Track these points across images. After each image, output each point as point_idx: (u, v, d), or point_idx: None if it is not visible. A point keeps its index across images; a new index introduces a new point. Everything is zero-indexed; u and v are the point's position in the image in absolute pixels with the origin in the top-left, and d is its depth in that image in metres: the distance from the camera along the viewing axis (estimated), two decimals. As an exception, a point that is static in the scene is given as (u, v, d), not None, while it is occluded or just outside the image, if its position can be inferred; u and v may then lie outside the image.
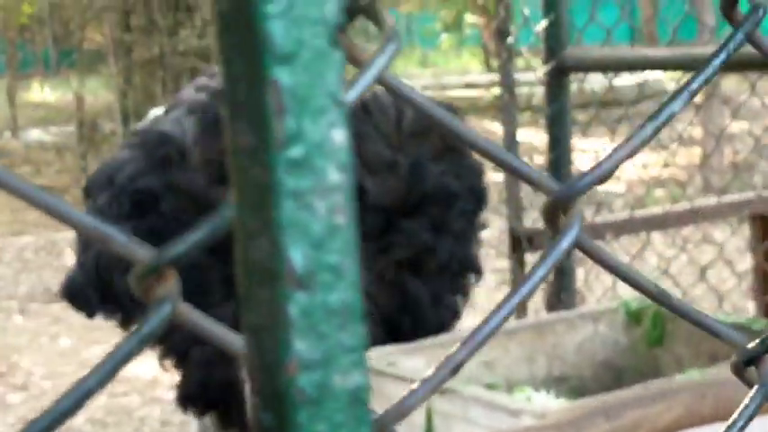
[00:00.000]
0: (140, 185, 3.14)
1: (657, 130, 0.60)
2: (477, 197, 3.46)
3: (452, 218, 3.31)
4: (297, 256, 0.37)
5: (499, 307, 0.54)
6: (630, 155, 0.58)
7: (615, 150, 0.58)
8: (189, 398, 3.25)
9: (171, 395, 5.99)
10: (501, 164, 0.59)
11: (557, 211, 0.57)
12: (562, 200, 0.57)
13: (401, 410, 0.53)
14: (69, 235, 10.10)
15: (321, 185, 0.37)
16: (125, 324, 3.41)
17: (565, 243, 0.55)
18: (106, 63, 13.29)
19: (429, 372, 0.64)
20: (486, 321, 0.54)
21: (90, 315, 3.41)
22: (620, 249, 4.52)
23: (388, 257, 3.17)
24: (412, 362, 2.68)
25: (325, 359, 0.38)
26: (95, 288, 3.26)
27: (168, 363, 3.34)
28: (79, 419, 5.80)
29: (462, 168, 3.43)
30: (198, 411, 3.20)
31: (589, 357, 3.05)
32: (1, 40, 17.09)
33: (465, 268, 3.48)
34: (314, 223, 0.37)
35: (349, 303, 0.38)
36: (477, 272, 3.59)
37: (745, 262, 4.49)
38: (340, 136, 0.38)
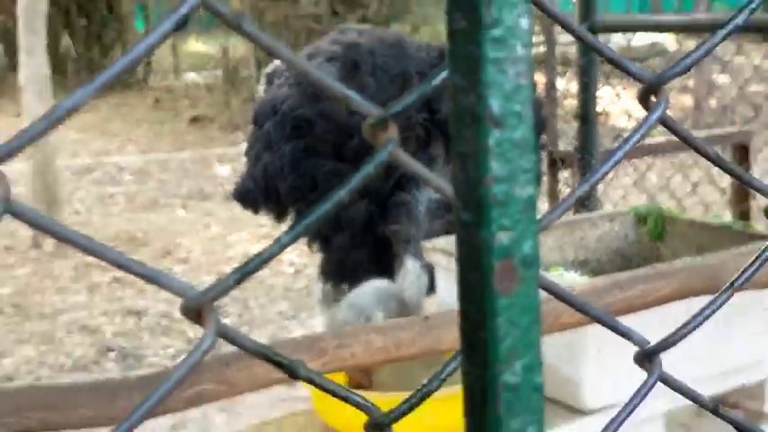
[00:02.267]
0: (298, 114, 3.18)
1: (713, 46, 0.60)
2: (542, 124, 3.49)
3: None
4: (495, 105, 0.38)
5: (608, 160, 0.55)
6: (703, 55, 0.58)
7: (692, 52, 0.58)
8: (329, 273, 3.31)
9: (291, 269, 6.10)
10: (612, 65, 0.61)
11: (648, 95, 0.58)
12: (654, 86, 0.58)
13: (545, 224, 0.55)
14: (218, 151, 10.19)
15: (512, 56, 0.39)
16: (279, 218, 3.47)
17: (654, 116, 0.57)
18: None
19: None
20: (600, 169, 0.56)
21: (255, 212, 3.47)
22: (631, 168, 4.53)
23: None
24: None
25: (510, 176, 0.39)
26: (261, 192, 3.31)
27: (314, 245, 3.40)
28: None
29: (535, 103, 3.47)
30: (335, 283, 3.26)
31: (606, 247, 3.06)
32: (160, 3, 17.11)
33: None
34: (506, 83, 0.39)
35: (527, 138, 0.40)
36: (540, 178, 3.65)
37: (726, 181, 4.45)
38: (525, 23, 0.39)
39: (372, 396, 2.21)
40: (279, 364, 0.48)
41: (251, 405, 3.95)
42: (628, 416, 0.63)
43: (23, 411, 1.81)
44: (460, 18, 0.39)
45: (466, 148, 0.40)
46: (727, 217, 4.04)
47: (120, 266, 0.47)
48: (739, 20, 0.64)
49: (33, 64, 7.04)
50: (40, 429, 1.82)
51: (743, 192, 3.94)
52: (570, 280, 2.57)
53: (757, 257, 0.69)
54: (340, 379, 2.29)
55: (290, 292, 5.76)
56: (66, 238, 0.42)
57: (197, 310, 0.47)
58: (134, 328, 5.21)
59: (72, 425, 1.75)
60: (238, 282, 0.48)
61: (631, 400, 0.64)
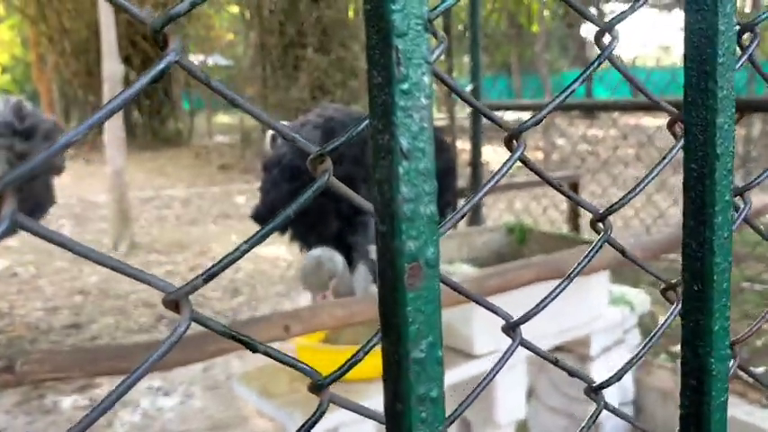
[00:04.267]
0: (294, 164, 3.14)
1: (541, 117, 0.55)
2: (456, 171, 3.49)
3: (450, 182, 3.33)
4: (404, 143, 0.34)
5: (475, 196, 0.51)
6: (539, 120, 0.54)
7: (539, 112, 0.53)
8: (303, 240, 3.32)
9: (285, 264, 5.99)
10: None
11: (511, 140, 0.54)
12: (515, 133, 0.53)
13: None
14: (237, 187, 10.05)
15: (417, 105, 0.34)
16: (281, 233, 3.41)
17: (516, 155, 0.52)
18: (257, 104, 13.24)
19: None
20: (475, 196, 0.51)
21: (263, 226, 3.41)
22: (504, 198, 4.54)
23: None
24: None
25: (416, 197, 0.35)
26: (268, 216, 3.27)
27: (304, 250, 3.35)
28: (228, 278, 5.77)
29: (450, 158, 3.48)
30: None
31: (488, 248, 3.02)
32: (198, 90, 16.91)
33: (451, 204, 3.49)
34: (412, 125, 0.34)
35: (429, 169, 0.35)
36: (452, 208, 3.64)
37: (564, 207, 4.48)
38: (428, 79, 0.35)
39: (327, 348, 2.14)
40: (242, 342, 0.42)
41: (258, 354, 3.84)
42: (501, 368, 0.58)
43: (99, 361, 1.71)
44: (377, 75, 0.35)
45: (382, 176, 0.35)
46: (565, 229, 4.06)
47: (108, 266, 0.40)
48: (561, 98, 0.58)
49: (114, 129, 6.91)
50: (109, 373, 1.72)
51: (575, 213, 3.94)
52: (466, 270, 2.54)
53: (585, 256, 0.65)
54: (320, 335, 2.22)
55: (283, 279, 5.66)
56: (59, 243, 0.36)
57: (175, 302, 0.41)
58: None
59: (131, 370, 1.66)
60: (206, 281, 0.42)
61: (501, 358, 0.59)
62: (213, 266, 0.41)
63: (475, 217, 3.74)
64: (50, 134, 3.71)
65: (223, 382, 3.69)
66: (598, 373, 2.63)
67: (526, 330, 0.75)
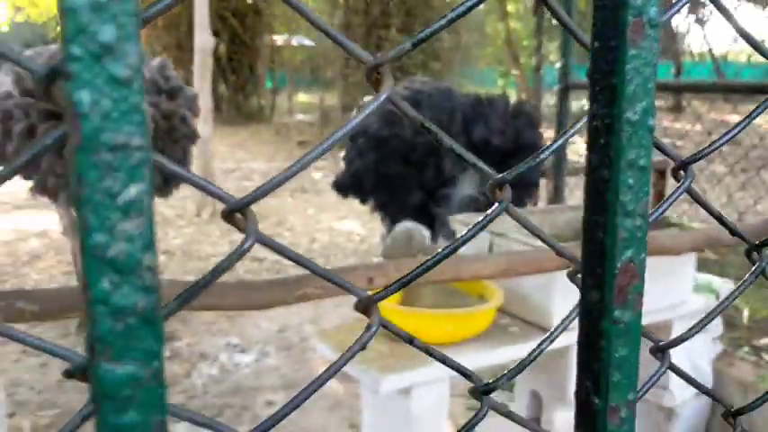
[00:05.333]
0: (380, 134, 3.18)
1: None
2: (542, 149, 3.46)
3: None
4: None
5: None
6: None
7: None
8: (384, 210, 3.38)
9: (358, 238, 6.07)
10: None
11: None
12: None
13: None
14: (318, 163, 10.22)
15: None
16: (362, 202, 3.47)
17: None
18: (337, 84, 13.37)
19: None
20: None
21: (345, 197, 3.48)
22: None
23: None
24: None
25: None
26: (351, 185, 3.34)
27: (385, 221, 3.43)
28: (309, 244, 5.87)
29: (537, 134, 3.45)
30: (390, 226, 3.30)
31: (570, 226, 3.00)
32: (283, 68, 17.12)
33: (534, 185, 3.47)
34: None
35: None
36: (537, 186, 3.63)
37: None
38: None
39: (408, 310, 2.15)
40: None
41: (329, 320, 3.94)
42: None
43: (192, 292, 1.82)
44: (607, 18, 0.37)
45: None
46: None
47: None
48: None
49: (202, 101, 7.12)
50: (200, 308, 1.80)
51: (660, 195, 3.84)
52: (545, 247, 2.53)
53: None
54: (397, 298, 2.25)
55: (356, 252, 5.74)
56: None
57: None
58: (257, 269, 5.23)
59: (220, 306, 1.74)
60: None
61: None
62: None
63: (556, 198, 3.69)
64: (193, 99, 3.64)
65: (297, 344, 3.79)
66: (677, 358, 2.57)
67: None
